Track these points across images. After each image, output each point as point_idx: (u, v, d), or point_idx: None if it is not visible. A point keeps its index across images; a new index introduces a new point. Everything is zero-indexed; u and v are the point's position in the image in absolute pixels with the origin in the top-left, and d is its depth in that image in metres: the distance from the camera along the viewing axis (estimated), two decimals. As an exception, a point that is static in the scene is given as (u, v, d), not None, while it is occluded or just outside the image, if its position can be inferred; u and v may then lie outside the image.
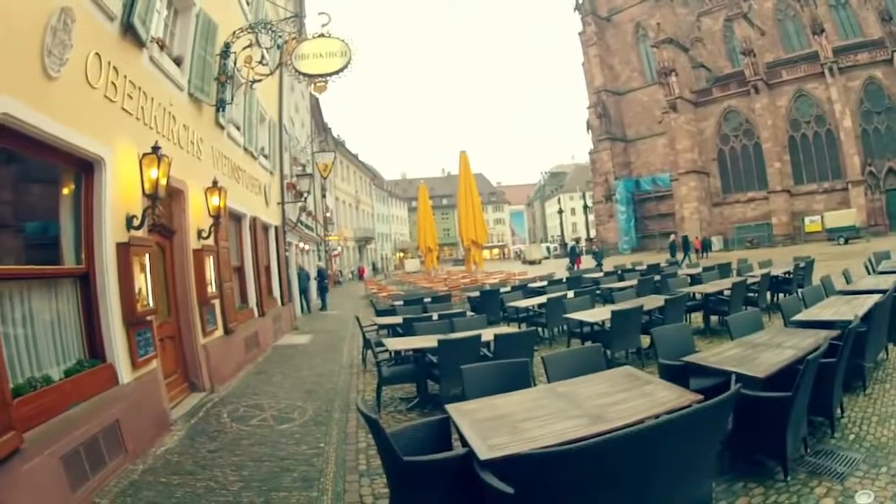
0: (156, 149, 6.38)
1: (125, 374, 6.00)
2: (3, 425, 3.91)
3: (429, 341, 6.87)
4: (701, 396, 3.47)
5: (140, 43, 6.81)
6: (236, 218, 12.08)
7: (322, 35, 10.22)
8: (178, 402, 7.73)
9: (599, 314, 8.61)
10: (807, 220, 42.69)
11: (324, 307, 22.06)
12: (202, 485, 4.98)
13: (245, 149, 12.54)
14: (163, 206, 6.72)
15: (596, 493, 2.59)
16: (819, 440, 4.64)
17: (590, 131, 57.77)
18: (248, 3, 11.79)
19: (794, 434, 3.97)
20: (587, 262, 33.87)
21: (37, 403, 4.54)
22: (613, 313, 7.87)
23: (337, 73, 10.31)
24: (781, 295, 12.02)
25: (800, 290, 8.91)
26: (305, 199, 19.69)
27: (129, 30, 6.46)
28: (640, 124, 55.70)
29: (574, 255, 33.07)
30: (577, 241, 51.79)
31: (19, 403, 4.28)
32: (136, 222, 6.49)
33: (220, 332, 9.59)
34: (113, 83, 6.17)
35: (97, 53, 5.76)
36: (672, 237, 35.38)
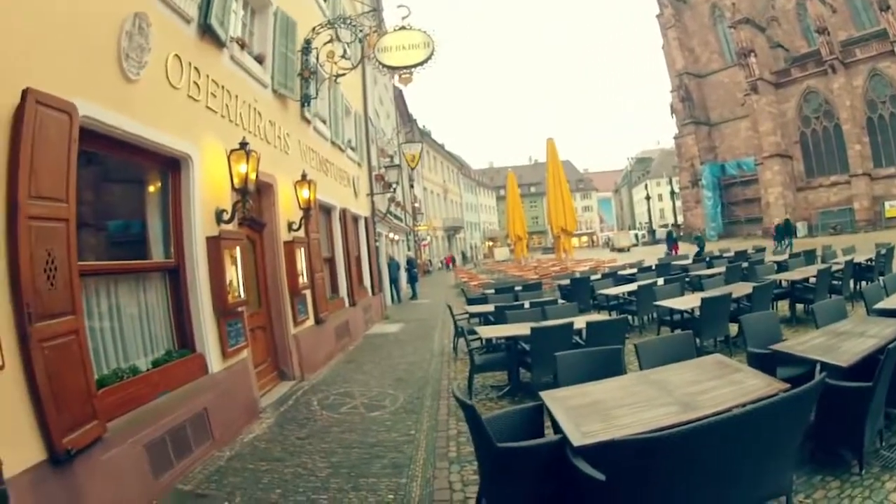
0: (243, 144, 6.32)
1: (215, 363, 6.01)
2: (87, 415, 3.93)
3: (521, 329, 6.68)
4: (788, 385, 3.37)
5: (219, 43, 6.77)
6: (326, 210, 12.08)
7: (403, 27, 10.05)
8: (267, 390, 7.73)
9: (689, 301, 8.27)
10: (887, 204, 39.02)
11: (414, 296, 21.98)
12: (290, 471, 4.93)
13: (332, 142, 12.51)
14: (252, 199, 6.71)
15: (684, 480, 2.57)
16: (894, 433, 4.31)
17: (674, 115, 54.64)
18: (324, 0, 11.71)
19: (871, 426, 3.78)
20: (685, 248, 32.02)
21: (122, 394, 4.56)
22: (703, 301, 7.55)
23: (421, 64, 10.13)
24: (864, 283, 11.35)
25: (881, 278, 8.16)
26: (394, 189, 19.66)
27: (206, 31, 6.41)
28: (723, 107, 52.08)
29: (672, 241, 31.46)
30: (675, 226, 49.33)
31: (104, 394, 4.31)
32: (225, 216, 6.50)
33: (310, 321, 9.57)
34: (195, 83, 6.17)
35: (176, 55, 5.75)
36: (776, 221, 33.04)
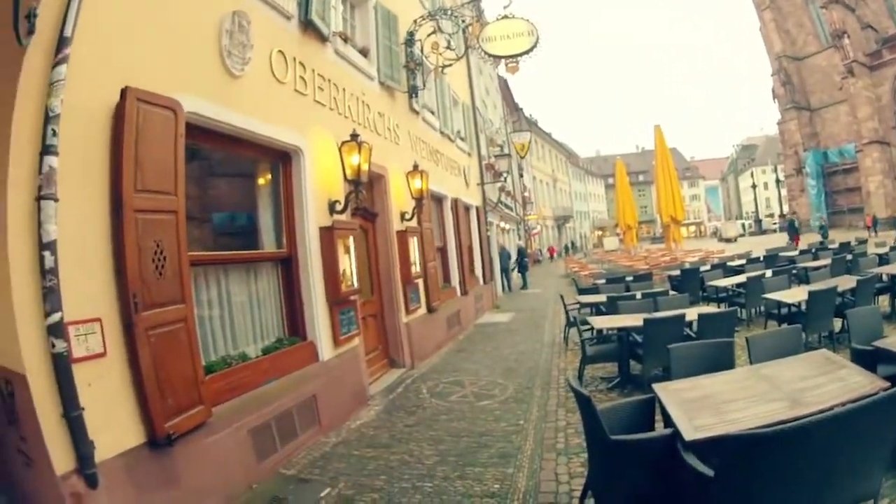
0: (355, 136, 6.18)
1: (326, 351, 5.91)
2: (192, 401, 3.88)
3: (633, 320, 6.31)
4: (888, 384, 3.13)
5: (322, 38, 6.60)
6: (437, 199, 11.84)
7: (506, 16, 9.67)
8: (377, 377, 7.60)
9: (797, 295, 7.69)
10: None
11: (525, 286, 21.31)
12: (396, 458, 4.79)
13: (441, 132, 12.20)
14: (364, 190, 6.58)
15: (784, 478, 2.43)
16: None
17: (776, 100, 49.76)
18: None
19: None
20: (807, 238, 28.93)
21: (230, 380, 4.53)
22: (810, 294, 6.96)
23: (527, 52, 9.76)
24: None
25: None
26: (504, 179, 19.21)
27: (308, 26, 6.24)
28: (822, 91, 46.26)
29: (794, 232, 28.72)
30: (783, 216, 45.10)
31: (211, 380, 4.26)
32: (338, 207, 6.40)
33: (422, 310, 9.38)
34: (301, 77, 6.07)
35: (280, 51, 5.66)
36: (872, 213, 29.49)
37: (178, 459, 3.73)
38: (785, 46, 48.13)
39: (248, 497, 4.21)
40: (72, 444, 3.05)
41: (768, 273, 10.38)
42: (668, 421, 3.19)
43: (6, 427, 3.27)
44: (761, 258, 14.81)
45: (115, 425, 3.37)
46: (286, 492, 4.28)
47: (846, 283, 8.05)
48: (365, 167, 6.27)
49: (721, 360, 4.18)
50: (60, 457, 3.02)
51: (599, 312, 8.57)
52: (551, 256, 46.03)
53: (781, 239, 30.83)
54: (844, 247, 15.84)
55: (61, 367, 3.03)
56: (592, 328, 7.04)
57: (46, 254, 2.98)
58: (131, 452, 3.44)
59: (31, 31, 3.00)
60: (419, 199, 9.01)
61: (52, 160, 3.04)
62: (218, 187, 5.52)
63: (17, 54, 3.05)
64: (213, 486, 4.03)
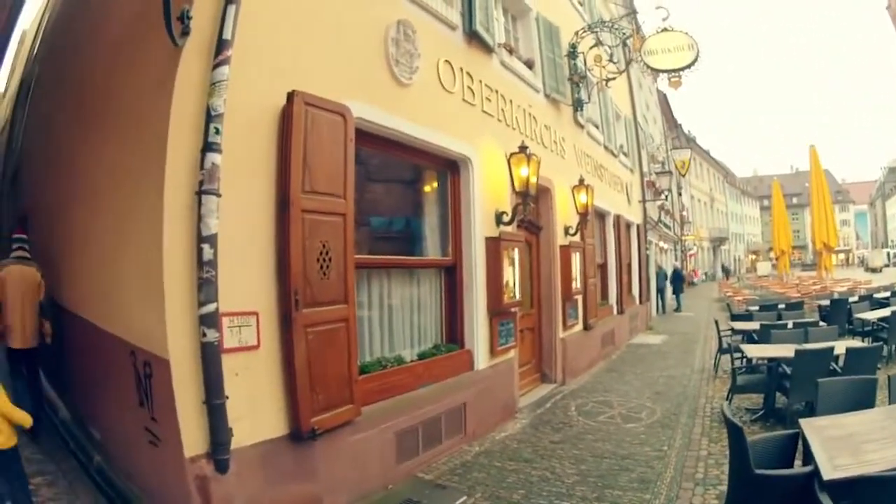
0: (523, 148, 5.80)
1: (482, 360, 5.54)
2: (343, 399, 3.69)
3: (785, 350, 5.73)
4: None
5: (488, 49, 6.15)
6: (600, 215, 10.97)
7: (665, 29, 8.65)
8: (527, 390, 7.05)
9: None
10: None
11: (678, 308, 19.35)
12: (537, 474, 4.51)
13: (605, 147, 11.32)
14: (531, 203, 6.25)
15: None
16: None
17: None
18: (580, 4, 10.60)
19: None
20: None
21: (383, 381, 4.32)
22: None
23: (689, 66, 8.64)
24: None
25: None
26: (665, 197, 17.67)
27: (473, 37, 5.82)
28: None
29: None
30: None
31: (364, 380, 4.06)
32: (505, 218, 6.03)
33: (579, 326, 8.63)
34: (469, 87, 5.70)
35: (447, 61, 5.33)
36: None
37: (318, 454, 3.54)
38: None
39: (381, 496, 4.03)
40: (208, 430, 2.92)
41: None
42: (806, 458, 3.07)
43: (136, 407, 3.25)
44: (906, 291, 13.08)
45: (257, 415, 3.22)
46: (421, 496, 4.07)
47: None
48: (533, 180, 5.88)
49: (863, 398, 3.90)
50: (192, 440, 2.89)
51: (751, 340, 7.81)
52: (693, 281, 41.71)
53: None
54: None
55: (210, 356, 2.89)
56: (743, 356, 6.56)
57: (205, 246, 2.83)
58: (270, 443, 3.28)
59: (185, 33, 2.92)
60: (584, 215, 8.35)
61: (214, 157, 2.92)
62: (384, 192, 5.31)
63: (174, 55, 2.96)
64: (349, 483, 3.82)
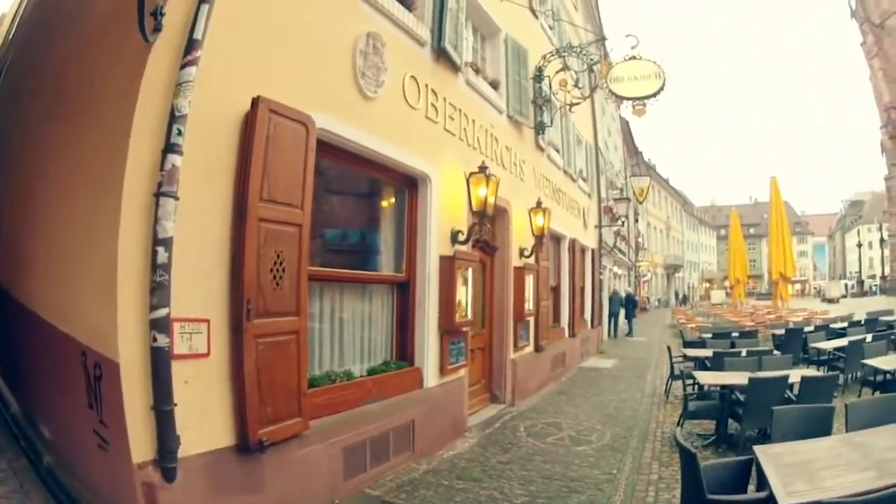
0: (483, 168, 5.95)
1: (432, 378, 5.60)
2: (291, 412, 3.71)
3: (738, 378, 5.87)
4: None
5: (454, 67, 6.33)
6: (556, 238, 11.23)
7: (633, 57, 9.01)
8: (476, 410, 7.15)
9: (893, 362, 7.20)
10: None
11: (630, 333, 20.04)
12: (485, 493, 4.57)
13: (565, 171, 11.64)
14: (487, 223, 6.38)
15: None
16: None
17: (884, 154, 43.69)
18: (550, 28, 10.92)
19: None
20: None
21: (332, 395, 4.33)
22: None
23: (654, 95, 9.04)
24: None
25: None
26: (622, 223, 18.22)
27: (441, 54, 5.98)
28: None
29: None
30: (883, 279, 39.78)
31: (313, 394, 4.08)
32: (461, 237, 6.15)
33: (530, 348, 8.80)
34: (433, 105, 5.84)
35: (413, 76, 5.46)
36: None
37: (265, 466, 3.56)
38: (894, 98, 42.61)
39: (328, 511, 4.05)
40: (156, 436, 2.93)
41: (868, 338, 9.51)
42: (760, 484, 3.12)
43: (85, 408, 3.24)
44: (862, 321, 13.79)
45: (205, 424, 3.23)
46: (368, 512, 4.09)
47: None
48: (491, 200, 6.00)
49: (819, 426, 3.99)
50: (140, 446, 2.89)
51: (703, 367, 7.99)
52: (645, 307, 42.72)
53: (883, 302, 28.04)
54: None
55: (160, 362, 2.90)
56: (695, 382, 6.70)
57: (160, 249, 2.85)
58: (217, 453, 3.28)
59: (157, 29, 2.94)
60: (539, 237, 8.53)
61: (175, 158, 2.93)
62: (341, 205, 5.37)
63: (143, 51, 2.98)
64: (296, 496, 3.83)
